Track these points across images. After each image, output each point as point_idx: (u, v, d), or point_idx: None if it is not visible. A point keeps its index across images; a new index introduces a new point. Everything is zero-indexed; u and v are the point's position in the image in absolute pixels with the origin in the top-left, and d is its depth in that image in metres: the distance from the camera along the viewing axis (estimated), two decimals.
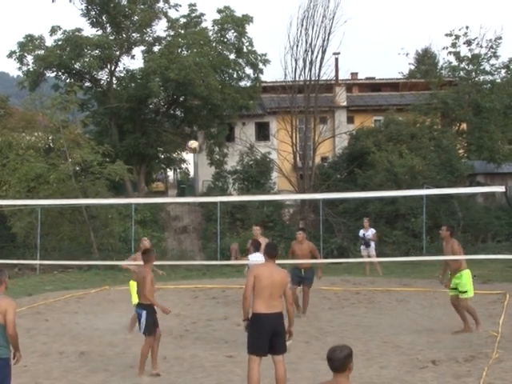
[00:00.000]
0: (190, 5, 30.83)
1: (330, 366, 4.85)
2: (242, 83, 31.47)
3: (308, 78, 27.49)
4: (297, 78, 27.61)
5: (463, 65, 29.75)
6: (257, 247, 11.64)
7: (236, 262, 13.23)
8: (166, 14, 31.12)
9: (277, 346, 7.65)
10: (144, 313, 9.16)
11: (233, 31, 30.57)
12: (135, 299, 10.97)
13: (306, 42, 27.07)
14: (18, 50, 29.16)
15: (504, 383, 8.45)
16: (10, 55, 29.20)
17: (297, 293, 13.11)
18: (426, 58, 40.42)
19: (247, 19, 30.52)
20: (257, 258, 11.02)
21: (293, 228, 27.24)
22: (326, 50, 27.29)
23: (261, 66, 31.00)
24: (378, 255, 20.52)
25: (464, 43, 29.07)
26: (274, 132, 32.05)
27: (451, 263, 11.45)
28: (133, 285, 11.80)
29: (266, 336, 7.55)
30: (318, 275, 13.76)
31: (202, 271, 21.85)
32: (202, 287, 17.96)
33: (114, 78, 31.33)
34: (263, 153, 29.92)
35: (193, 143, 12.10)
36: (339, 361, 4.82)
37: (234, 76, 31.06)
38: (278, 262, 8.25)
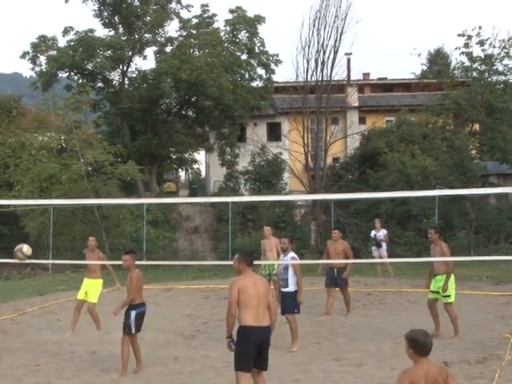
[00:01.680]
0: (202, 5, 30.88)
1: (422, 350, 4.95)
2: (254, 84, 31.50)
3: (320, 79, 27.43)
4: (308, 79, 27.56)
5: (476, 65, 29.65)
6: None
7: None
8: (178, 15, 31.18)
9: (259, 361, 7.24)
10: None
11: (245, 31, 30.58)
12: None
13: (318, 43, 27.02)
14: (30, 51, 29.32)
15: None
16: (23, 56, 29.36)
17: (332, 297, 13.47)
18: (438, 59, 40.28)
19: (259, 19, 30.52)
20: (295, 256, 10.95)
21: (304, 229, 27.26)
22: (337, 50, 27.22)
23: (272, 66, 31.04)
24: (390, 256, 20.46)
25: (477, 43, 28.99)
26: (286, 132, 32.03)
27: (441, 266, 11.24)
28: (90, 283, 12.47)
29: (254, 350, 7.15)
30: (344, 275, 13.61)
31: (213, 271, 21.87)
32: (213, 287, 17.97)
33: (126, 79, 31.42)
34: (275, 153, 29.90)
35: (28, 250, 10.88)
36: (432, 344, 5.00)
37: (246, 76, 31.06)
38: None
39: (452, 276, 11.29)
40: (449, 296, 11.24)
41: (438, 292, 11.33)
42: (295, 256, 11.01)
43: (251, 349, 7.12)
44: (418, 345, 4.94)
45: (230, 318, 7.24)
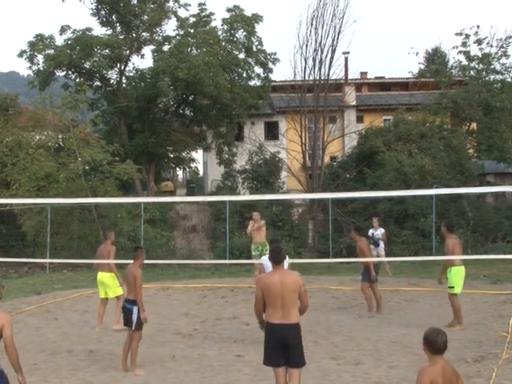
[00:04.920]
0: (200, 4, 30.86)
1: (434, 348, 4.99)
2: (252, 82, 31.48)
3: (317, 78, 27.47)
4: (306, 78, 27.61)
5: (473, 64, 29.67)
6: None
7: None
8: (175, 14, 31.17)
9: (293, 359, 7.14)
10: (135, 308, 9.32)
11: (242, 30, 30.56)
12: (104, 293, 12.07)
13: (316, 41, 27.08)
14: (28, 50, 29.25)
15: None
16: (20, 54, 29.30)
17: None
18: (435, 58, 40.31)
19: (257, 18, 30.51)
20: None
21: (302, 228, 27.27)
22: (335, 49, 27.29)
23: (270, 65, 31.00)
24: (388, 255, 20.46)
25: (474, 42, 29.02)
26: (283, 131, 32.04)
27: (447, 259, 11.73)
28: (104, 277, 12.28)
29: (279, 347, 7.09)
30: (371, 273, 13.72)
31: (210, 270, 21.86)
32: (210, 286, 17.98)
33: (123, 78, 31.39)
34: (272, 152, 29.90)
35: None
36: (446, 343, 5.02)
37: (244, 75, 31.04)
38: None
39: (461, 269, 11.77)
40: (452, 287, 11.70)
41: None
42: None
43: (275, 346, 7.09)
44: (430, 343, 5.01)
45: (256, 312, 7.38)
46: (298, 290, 7.13)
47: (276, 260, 7.32)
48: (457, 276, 11.70)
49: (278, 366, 7.16)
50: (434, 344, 5.00)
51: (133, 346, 9.37)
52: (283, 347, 7.08)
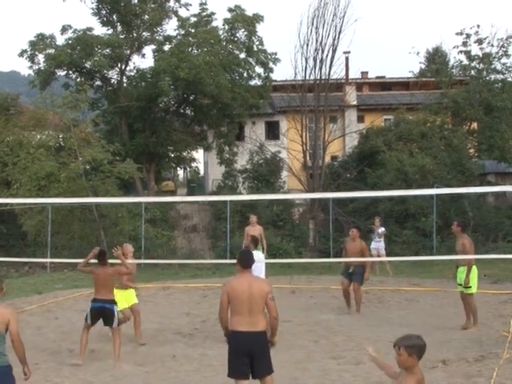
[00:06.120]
0: (201, 4, 30.84)
1: (423, 353, 4.68)
2: (252, 82, 31.44)
3: (318, 77, 27.49)
4: (307, 77, 27.63)
5: (474, 64, 29.66)
6: (256, 244, 11.32)
7: None
8: (176, 13, 31.14)
9: (260, 368, 6.81)
10: (115, 307, 9.83)
11: (243, 30, 30.53)
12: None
13: (317, 41, 27.12)
14: (29, 49, 29.23)
15: None
16: (21, 54, 29.29)
17: (348, 289, 13.51)
18: (436, 57, 40.32)
19: (258, 18, 30.47)
20: (258, 256, 10.81)
21: (303, 227, 27.27)
22: (336, 48, 27.33)
23: (271, 64, 30.95)
24: (388, 255, 20.48)
25: (475, 42, 29.01)
26: (284, 131, 32.04)
27: (462, 259, 11.63)
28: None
29: (245, 357, 6.74)
30: (365, 276, 13.52)
31: (211, 270, 21.86)
32: (211, 286, 17.95)
33: (124, 77, 31.38)
34: (273, 152, 29.91)
35: None
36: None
37: (244, 75, 31.00)
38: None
39: (474, 268, 11.67)
40: (470, 287, 11.62)
41: (461, 284, 11.72)
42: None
43: (241, 356, 6.77)
44: (421, 348, 4.67)
45: (220, 321, 7.09)
46: (265, 296, 6.81)
47: (243, 264, 7.01)
48: (474, 276, 11.67)
49: (243, 377, 6.83)
50: (424, 347, 4.67)
51: (118, 340, 9.73)
52: (249, 357, 6.75)
